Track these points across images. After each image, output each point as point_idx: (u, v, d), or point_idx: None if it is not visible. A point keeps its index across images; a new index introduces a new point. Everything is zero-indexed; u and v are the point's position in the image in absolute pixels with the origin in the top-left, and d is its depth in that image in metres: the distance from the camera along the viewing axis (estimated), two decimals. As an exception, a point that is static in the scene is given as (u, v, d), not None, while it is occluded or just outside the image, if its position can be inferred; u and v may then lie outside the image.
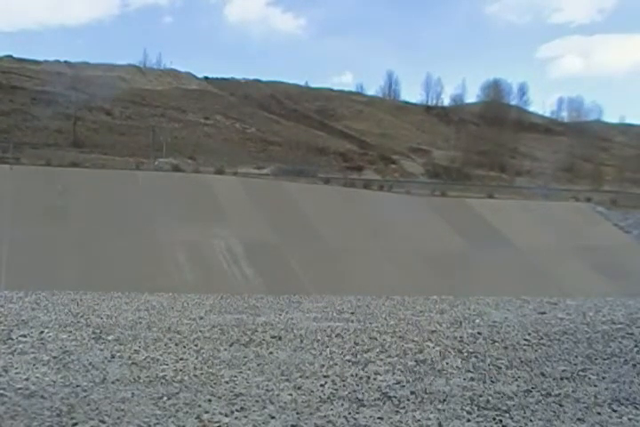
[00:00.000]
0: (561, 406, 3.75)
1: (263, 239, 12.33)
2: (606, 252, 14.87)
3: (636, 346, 5.57)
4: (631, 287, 12.31)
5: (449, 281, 12.14)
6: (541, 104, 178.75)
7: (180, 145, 44.33)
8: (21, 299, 7.81)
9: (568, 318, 7.32)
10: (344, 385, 4.08)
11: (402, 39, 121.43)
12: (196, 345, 5.14)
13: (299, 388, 3.98)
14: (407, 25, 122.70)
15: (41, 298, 7.93)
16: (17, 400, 3.52)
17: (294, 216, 13.58)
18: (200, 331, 5.78)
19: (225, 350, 5.02)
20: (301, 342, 5.42)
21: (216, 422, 3.30)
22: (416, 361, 4.80)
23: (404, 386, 4.09)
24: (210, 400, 3.66)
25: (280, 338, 5.53)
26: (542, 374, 4.49)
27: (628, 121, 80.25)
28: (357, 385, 4.09)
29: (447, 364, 4.73)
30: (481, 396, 3.90)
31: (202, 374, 4.25)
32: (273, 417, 3.39)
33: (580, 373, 4.57)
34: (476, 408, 3.64)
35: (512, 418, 3.49)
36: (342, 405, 3.65)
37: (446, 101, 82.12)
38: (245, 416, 3.40)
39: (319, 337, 5.64)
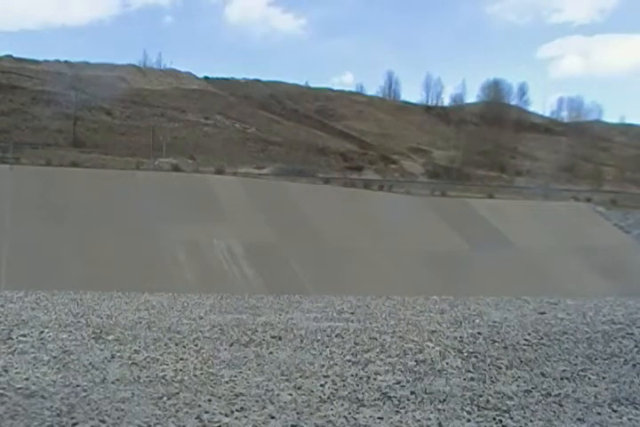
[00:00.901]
0: (561, 406, 3.75)
1: (263, 239, 12.34)
2: (606, 252, 14.88)
3: (636, 346, 5.56)
4: (631, 287, 12.31)
5: (449, 281, 12.15)
6: (541, 104, 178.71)
7: (179, 145, 44.31)
8: (21, 299, 7.81)
9: (568, 318, 7.32)
10: (344, 385, 4.08)
11: (402, 39, 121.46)
12: (195, 345, 5.14)
13: (299, 388, 3.98)
14: (407, 25, 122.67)
15: (41, 298, 7.93)
16: (17, 400, 3.52)
17: (294, 216, 13.58)
18: (200, 331, 5.78)
19: (225, 350, 5.01)
20: (301, 342, 5.42)
21: (216, 422, 3.30)
22: (416, 361, 4.79)
23: (404, 386, 4.09)
24: (210, 400, 3.66)
25: (280, 338, 5.53)
26: (542, 374, 4.49)
27: (628, 121, 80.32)
28: (357, 385, 4.09)
29: (447, 364, 4.73)
30: (481, 396, 3.90)
31: (202, 374, 4.25)
32: (273, 417, 3.39)
33: (580, 373, 4.57)
34: (475, 408, 3.64)
35: (512, 418, 3.49)
36: (342, 405, 3.65)
37: (446, 101, 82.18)
38: (245, 416, 3.40)
39: (319, 337, 5.64)
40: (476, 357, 4.99)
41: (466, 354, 5.07)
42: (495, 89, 75.77)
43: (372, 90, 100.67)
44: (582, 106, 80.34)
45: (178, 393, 3.77)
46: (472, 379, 4.30)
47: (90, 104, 48.93)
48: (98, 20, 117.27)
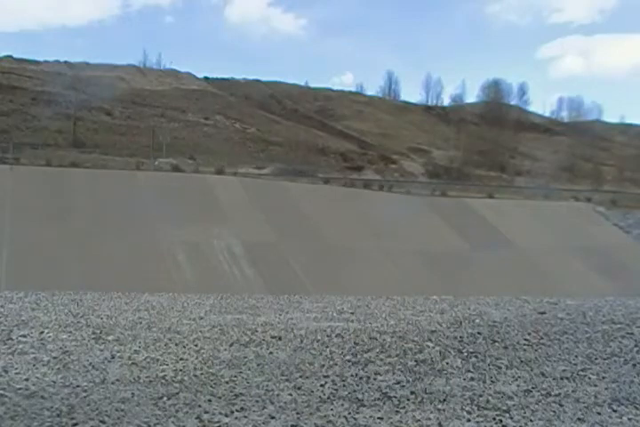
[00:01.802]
0: (561, 405, 3.75)
1: (263, 239, 12.34)
2: (606, 252, 14.88)
3: (635, 346, 5.56)
4: (631, 287, 12.31)
5: (449, 281, 12.15)
6: (541, 104, 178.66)
7: (179, 145, 44.28)
8: (21, 299, 7.81)
9: (568, 317, 7.32)
10: (344, 385, 4.08)
11: (402, 39, 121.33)
12: (196, 345, 5.14)
13: (299, 388, 3.98)
14: (407, 25, 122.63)
15: (41, 298, 7.93)
16: (17, 401, 3.52)
17: (294, 216, 13.58)
18: (200, 331, 5.79)
19: (225, 350, 5.02)
20: (301, 342, 5.42)
21: (216, 422, 3.30)
22: (416, 361, 4.79)
23: (404, 386, 4.09)
24: (210, 400, 3.66)
25: (280, 338, 5.53)
26: (542, 374, 4.49)
27: (628, 121, 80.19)
28: (357, 385, 4.09)
29: (447, 364, 4.73)
30: (481, 396, 3.90)
31: (202, 374, 4.25)
32: (273, 417, 3.39)
33: (580, 372, 4.57)
34: (475, 408, 3.64)
35: (512, 418, 3.49)
36: (342, 405, 3.65)
37: (446, 101, 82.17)
38: (245, 416, 3.40)
39: (319, 337, 5.64)
40: (476, 357, 4.99)
41: (466, 354, 5.07)
42: (495, 89, 75.74)
43: (372, 90, 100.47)
44: (582, 106, 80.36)
45: (178, 393, 3.77)
46: (472, 379, 4.30)
47: (90, 104, 48.89)
48: (98, 20, 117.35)
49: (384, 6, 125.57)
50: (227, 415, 3.40)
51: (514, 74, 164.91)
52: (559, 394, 3.99)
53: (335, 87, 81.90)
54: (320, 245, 12.77)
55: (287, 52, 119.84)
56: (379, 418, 3.44)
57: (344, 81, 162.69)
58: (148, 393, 3.74)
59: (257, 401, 3.66)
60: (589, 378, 4.42)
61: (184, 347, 5.06)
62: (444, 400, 3.79)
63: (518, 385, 4.18)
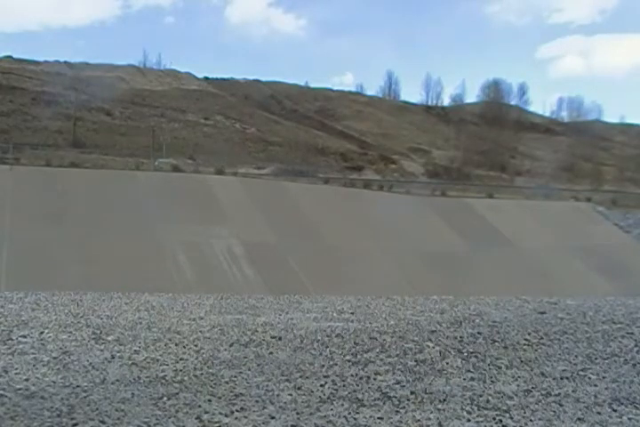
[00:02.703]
0: (561, 405, 3.75)
1: (263, 239, 12.33)
2: (606, 251, 14.88)
3: (635, 346, 5.57)
4: (631, 287, 12.32)
5: (449, 281, 12.15)
6: (541, 104, 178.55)
7: (179, 145, 44.27)
8: (21, 299, 7.81)
9: (568, 317, 7.32)
10: (344, 385, 4.08)
11: (402, 39, 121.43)
12: (195, 345, 5.14)
13: (299, 388, 3.98)
14: (407, 25, 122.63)
15: (41, 298, 7.93)
16: (17, 401, 3.52)
17: (294, 216, 13.58)
18: (200, 331, 5.79)
19: (225, 350, 5.02)
20: (301, 342, 5.42)
21: (216, 422, 3.30)
22: (416, 361, 4.79)
23: (404, 386, 4.09)
24: (210, 401, 3.66)
25: (280, 338, 5.53)
26: (542, 374, 4.49)
27: (628, 121, 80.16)
28: (357, 385, 4.09)
29: (447, 364, 4.73)
30: (481, 396, 3.90)
31: (202, 374, 4.25)
32: (273, 417, 3.39)
33: (580, 372, 4.57)
34: (475, 408, 3.64)
35: (512, 418, 3.49)
36: (342, 405, 3.65)
37: (446, 101, 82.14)
38: (245, 416, 3.40)
39: (319, 337, 5.64)
40: (476, 357, 4.99)
41: (466, 354, 5.07)
42: (495, 89, 75.76)
43: (371, 90, 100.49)
44: (582, 106, 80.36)
45: (178, 393, 3.77)
46: (472, 379, 4.30)
47: (90, 105, 48.89)
48: (98, 20, 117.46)
49: (384, 6, 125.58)
50: (227, 415, 3.40)
51: (514, 74, 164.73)
52: (559, 394, 3.99)
53: (335, 87, 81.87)
54: (320, 245, 12.77)
55: (287, 53, 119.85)
56: (379, 418, 3.44)
57: (344, 81, 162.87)
58: (148, 393, 3.74)
59: (257, 401, 3.66)
60: (589, 378, 4.42)
61: (184, 347, 5.06)
62: (444, 400, 3.79)
63: (518, 385, 4.18)
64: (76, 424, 3.19)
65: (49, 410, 3.38)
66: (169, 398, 3.66)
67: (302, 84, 76.73)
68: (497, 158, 58.03)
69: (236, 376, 4.21)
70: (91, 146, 41.45)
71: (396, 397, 3.84)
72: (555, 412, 3.62)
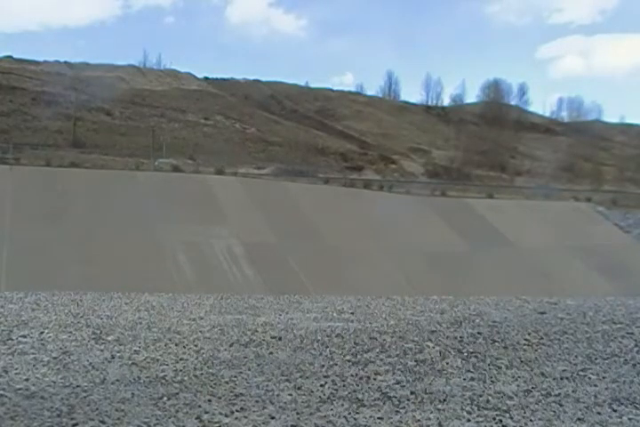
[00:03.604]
0: (561, 405, 3.75)
1: (263, 239, 12.33)
2: (606, 252, 14.87)
3: (636, 346, 5.57)
4: (631, 287, 12.31)
5: (449, 281, 12.14)
6: (541, 104, 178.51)
7: (179, 145, 44.27)
8: (21, 299, 7.81)
9: (568, 317, 7.32)
10: (344, 385, 4.08)
11: (402, 39, 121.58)
12: (195, 345, 5.14)
13: (299, 388, 3.98)
14: (407, 25, 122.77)
15: (41, 298, 7.93)
16: (17, 401, 3.52)
17: (294, 216, 13.58)
18: (200, 331, 5.79)
19: (225, 350, 5.02)
20: (301, 342, 5.42)
21: (216, 422, 3.30)
22: (416, 361, 4.79)
23: (404, 386, 4.09)
24: (210, 401, 3.66)
25: (280, 338, 5.53)
26: (542, 374, 4.49)
27: (628, 121, 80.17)
28: (357, 385, 4.09)
29: (447, 364, 4.73)
30: (481, 396, 3.90)
31: (202, 374, 4.25)
32: (273, 417, 3.39)
33: (580, 372, 4.57)
34: (475, 408, 3.64)
35: (512, 418, 3.49)
36: (342, 405, 3.65)
37: (446, 101, 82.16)
38: (245, 417, 3.40)
39: (319, 337, 5.64)
40: (476, 357, 4.99)
41: (466, 354, 5.07)
42: (495, 89, 75.78)
43: (371, 90, 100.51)
44: (582, 106, 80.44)
45: (178, 394, 3.77)
46: (472, 379, 4.30)
47: (90, 105, 48.90)
48: (99, 20, 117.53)
49: (384, 6, 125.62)
50: (227, 416, 3.41)
51: (514, 74, 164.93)
52: (559, 394, 3.99)
53: (335, 87, 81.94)
54: (320, 245, 12.77)
55: (287, 53, 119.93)
56: (379, 418, 3.44)
57: (344, 81, 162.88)
58: (148, 393, 3.74)
59: (257, 401, 3.66)
60: (589, 378, 4.42)
61: (184, 347, 5.06)
62: (444, 400, 3.79)
63: (518, 385, 4.18)
64: (75, 424, 3.19)
65: (49, 410, 3.38)
66: (169, 399, 3.66)
67: (302, 84, 76.80)
68: (497, 158, 58.05)
69: (235, 376, 4.21)
70: (91, 146, 41.45)
71: (395, 397, 3.84)
72: (555, 412, 3.62)
